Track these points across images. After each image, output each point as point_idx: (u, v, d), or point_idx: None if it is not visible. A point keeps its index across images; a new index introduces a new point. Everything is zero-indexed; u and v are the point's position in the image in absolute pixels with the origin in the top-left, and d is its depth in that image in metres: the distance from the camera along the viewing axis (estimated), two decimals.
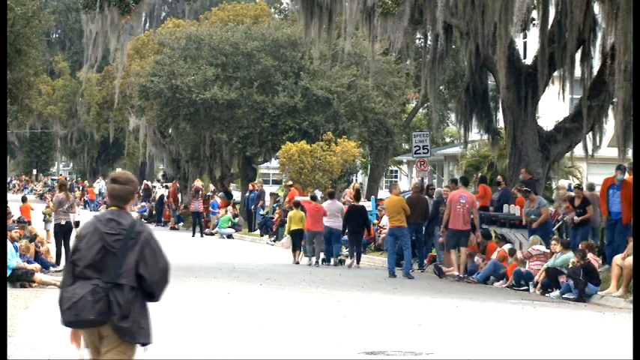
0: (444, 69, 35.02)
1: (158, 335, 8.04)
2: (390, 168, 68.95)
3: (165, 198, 54.36)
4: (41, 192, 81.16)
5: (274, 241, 39.68)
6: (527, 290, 22.77)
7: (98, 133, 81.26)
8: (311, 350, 12.56)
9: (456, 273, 25.31)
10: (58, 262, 24.57)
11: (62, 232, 24.83)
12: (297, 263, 30.16)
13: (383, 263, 29.29)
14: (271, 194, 45.76)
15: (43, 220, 34.99)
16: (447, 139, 65.76)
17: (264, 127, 46.83)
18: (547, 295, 21.88)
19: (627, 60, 24.37)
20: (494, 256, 25.18)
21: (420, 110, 61.80)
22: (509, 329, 15.50)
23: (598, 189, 25.02)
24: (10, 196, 54.63)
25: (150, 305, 7.37)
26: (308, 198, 33.26)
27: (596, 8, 28.43)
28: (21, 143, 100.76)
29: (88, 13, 31.31)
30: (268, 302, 18.34)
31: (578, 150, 31.95)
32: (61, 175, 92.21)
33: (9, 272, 20.04)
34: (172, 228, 50.28)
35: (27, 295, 18.67)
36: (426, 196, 28.93)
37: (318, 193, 37.48)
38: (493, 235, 26.63)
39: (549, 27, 29.21)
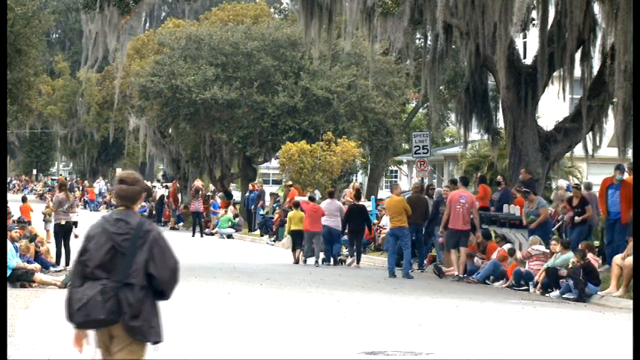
0: (444, 69, 35.05)
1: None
2: (390, 168, 68.95)
3: (165, 198, 54.36)
4: (41, 192, 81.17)
5: (274, 241, 39.68)
6: (527, 290, 22.77)
7: (98, 133, 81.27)
8: (311, 350, 12.56)
9: (456, 272, 25.31)
10: (58, 262, 24.58)
11: (62, 232, 24.83)
12: (297, 263, 30.17)
13: (383, 263, 29.29)
14: (271, 194, 45.75)
15: (43, 220, 34.98)
16: (447, 139, 65.75)
17: (264, 127, 46.83)
18: (547, 295, 21.88)
19: (627, 60, 24.38)
20: (494, 255, 25.18)
21: (420, 110, 61.80)
22: (509, 329, 15.50)
23: (596, 189, 25.03)
24: (10, 196, 54.63)
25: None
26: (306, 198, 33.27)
27: (596, 8, 28.43)
28: (21, 143, 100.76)
29: (87, 13, 31.32)
30: (268, 302, 18.34)
31: (578, 150, 31.96)
32: (61, 175, 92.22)
33: (9, 272, 20.04)
34: (172, 228, 50.27)
35: (27, 295, 18.66)
36: (426, 196, 28.93)
37: (318, 194, 37.50)
38: (493, 235, 26.63)
39: (549, 27, 29.21)
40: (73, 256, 24.32)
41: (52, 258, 24.77)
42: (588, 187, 26.20)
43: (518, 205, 26.32)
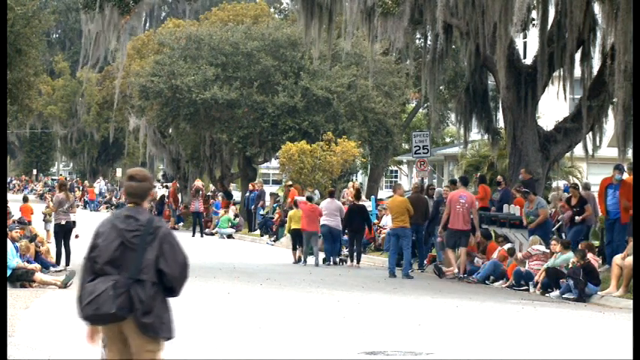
0: (444, 69, 35.07)
1: None
2: (390, 168, 68.95)
3: (165, 198, 54.37)
4: (41, 192, 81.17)
5: (274, 241, 39.69)
6: (527, 290, 22.77)
7: (98, 133, 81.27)
8: (311, 350, 12.57)
9: (456, 270, 25.33)
10: (58, 262, 24.57)
11: (62, 232, 24.82)
12: (298, 262, 30.19)
13: (383, 263, 29.29)
14: (271, 194, 45.76)
15: (43, 220, 34.98)
16: (447, 139, 65.75)
17: (264, 127, 46.84)
18: (547, 295, 21.88)
19: (627, 60, 24.38)
20: (494, 255, 25.18)
21: (420, 110, 61.81)
22: (509, 329, 15.50)
23: (594, 189, 25.04)
24: (10, 196, 54.64)
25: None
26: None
27: (596, 8, 28.43)
28: (21, 143, 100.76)
29: (87, 13, 31.31)
30: (268, 302, 18.34)
31: (578, 150, 31.96)
32: (61, 175, 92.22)
33: (9, 272, 20.04)
34: (172, 228, 50.18)
35: (27, 295, 18.66)
36: (426, 196, 28.94)
37: (318, 194, 37.49)
38: (494, 235, 26.62)
39: (549, 27, 29.21)
40: (73, 256, 24.53)
41: (52, 258, 24.76)
42: (586, 187, 26.21)
43: (518, 205, 26.32)
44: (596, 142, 30.53)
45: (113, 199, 72.48)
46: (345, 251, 30.83)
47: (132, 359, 7.34)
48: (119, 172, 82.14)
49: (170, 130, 56.38)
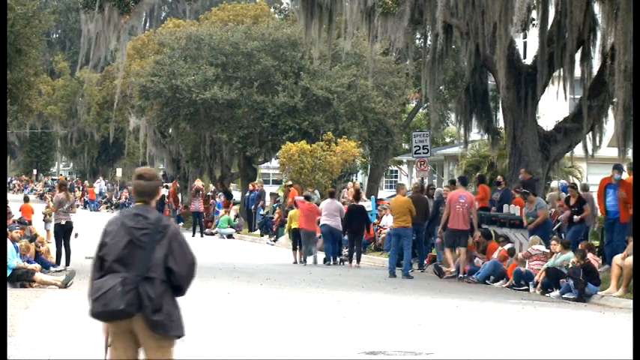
0: (443, 69, 35.09)
1: None
2: (390, 168, 68.95)
3: (165, 198, 54.36)
4: (41, 192, 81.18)
5: (274, 241, 39.70)
6: (527, 290, 22.77)
7: (98, 133, 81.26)
8: (311, 350, 12.57)
9: (452, 270, 25.35)
10: (58, 262, 24.58)
11: (62, 232, 24.83)
12: (297, 262, 30.20)
13: (383, 263, 29.29)
14: (271, 194, 45.76)
15: (43, 220, 35.00)
16: (447, 139, 65.76)
17: (264, 127, 46.84)
18: (547, 295, 21.88)
19: (627, 60, 24.38)
20: (495, 255, 25.17)
21: (420, 110, 61.81)
22: (509, 329, 15.50)
23: (592, 189, 25.04)
24: (10, 196, 54.64)
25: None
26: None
27: (596, 8, 28.43)
28: (21, 143, 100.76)
29: (87, 13, 31.31)
30: (268, 302, 18.34)
31: (578, 150, 31.96)
32: (61, 175, 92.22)
33: (9, 272, 20.04)
34: None
35: (27, 295, 18.66)
36: (426, 196, 28.94)
37: (318, 194, 37.48)
38: (494, 235, 26.62)
39: (549, 27, 29.21)
40: (73, 256, 24.53)
41: (52, 258, 24.76)
42: (585, 188, 26.21)
43: (518, 205, 26.32)
44: (596, 142, 30.54)
45: (113, 198, 72.50)
46: (345, 251, 30.83)
47: (137, 358, 7.35)
48: (119, 172, 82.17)
49: (170, 130, 56.39)
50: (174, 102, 47.45)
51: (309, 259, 29.97)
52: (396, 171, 75.79)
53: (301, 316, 16.45)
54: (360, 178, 67.61)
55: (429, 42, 34.57)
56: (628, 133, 26.84)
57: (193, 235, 43.68)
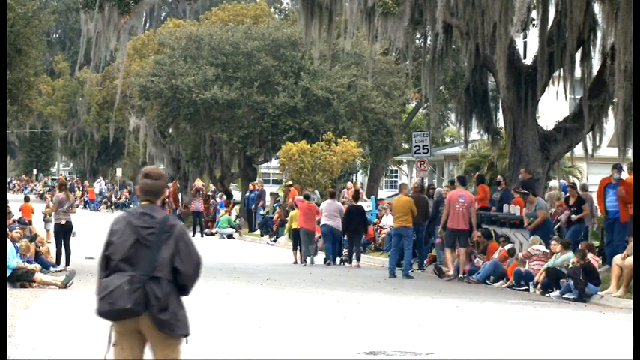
0: (444, 69, 35.10)
1: None
2: (390, 168, 68.96)
3: (165, 198, 54.36)
4: (41, 192, 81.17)
5: (274, 241, 39.70)
6: (527, 290, 22.77)
7: (98, 133, 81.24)
8: (311, 350, 12.57)
9: (451, 272, 25.35)
10: (58, 262, 24.58)
11: (62, 232, 24.83)
12: (297, 262, 30.21)
13: (383, 263, 29.30)
14: (271, 194, 45.77)
15: (43, 220, 35.00)
16: (447, 139, 65.76)
17: (264, 127, 46.84)
18: (547, 295, 21.88)
19: (627, 60, 24.38)
20: (495, 255, 25.17)
21: (420, 110, 61.82)
22: (509, 329, 15.50)
23: (592, 189, 25.04)
24: (10, 196, 54.64)
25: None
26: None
27: (596, 8, 28.43)
28: (21, 143, 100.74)
29: (87, 13, 31.31)
30: (268, 302, 18.35)
31: (578, 150, 31.96)
32: (61, 175, 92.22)
33: (9, 272, 20.04)
34: None
35: (27, 295, 18.66)
36: (426, 196, 28.93)
37: (318, 194, 37.48)
38: (494, 235, 26.62)
39: (549, 27, 29.21)
40: (73, 256, 24.53)
41: (53, 258, 24.77)
42: (584, 188, 26.21)
43: (518, 205, 26.31)
44: (596, 142, 30.54)
45: (113, 198, 72.49)
46: (345, 252, 30.82)
47: (143, 358, 7.35)
48: (119, 172, 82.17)
49: (170, 130, 56.41)
50: (174, 102, 47.46)
51: (308, 259, 29.97)
52: (396, 171, 75.79)
53: (301, 316, 16.45)
54: (360, 178, 67.61)
55: (429, 42, 34.58)
56: (628, 133, 26.85)
57: (193, 235, 43.66)
